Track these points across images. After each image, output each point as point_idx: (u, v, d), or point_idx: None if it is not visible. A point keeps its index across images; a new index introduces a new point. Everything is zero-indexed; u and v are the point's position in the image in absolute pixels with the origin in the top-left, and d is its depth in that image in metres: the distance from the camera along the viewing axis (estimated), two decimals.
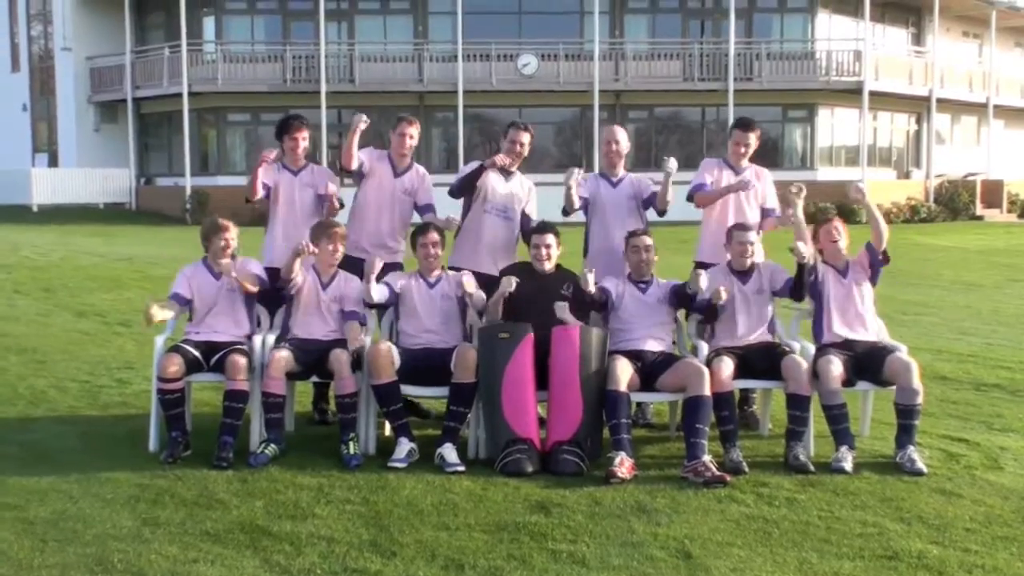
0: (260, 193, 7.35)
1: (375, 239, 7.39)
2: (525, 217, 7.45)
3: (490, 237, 7.35)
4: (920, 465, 6.23)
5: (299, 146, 7.39)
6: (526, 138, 7.37)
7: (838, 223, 6.97)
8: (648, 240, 6.96)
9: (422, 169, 7.62)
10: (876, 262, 6.92)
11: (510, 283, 6.71)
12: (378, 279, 6.78)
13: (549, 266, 6.94)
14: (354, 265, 7.07)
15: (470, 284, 6.77)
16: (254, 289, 6.88)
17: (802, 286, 6.80)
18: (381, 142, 7.94)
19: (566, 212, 7.37)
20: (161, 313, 6.57)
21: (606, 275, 7.00)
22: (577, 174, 7.21)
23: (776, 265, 7.05)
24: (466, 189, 7.31)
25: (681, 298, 6.87)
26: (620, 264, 7.12)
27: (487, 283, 6.96)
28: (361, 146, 7.35)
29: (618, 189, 7.43)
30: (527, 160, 7.56)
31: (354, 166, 7.34)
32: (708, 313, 6.85)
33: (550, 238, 6.95)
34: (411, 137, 7.45)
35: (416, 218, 7.51)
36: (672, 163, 7.12)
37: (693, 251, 7.59)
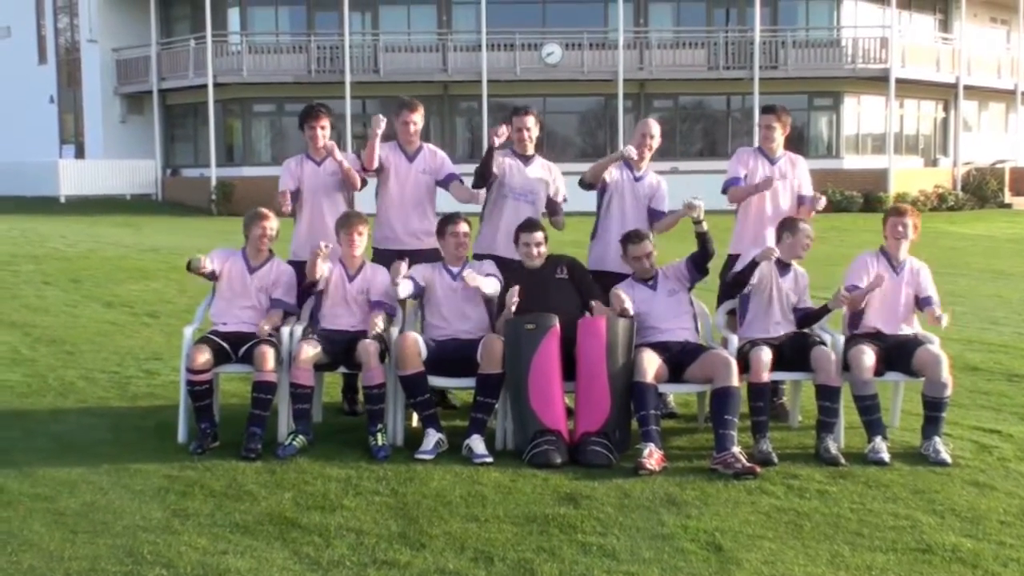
0: (375, 163, 7.34)
1: (406, 228, 7.37)
2: (552, 202, 7.44)
3: (510, 222, 7.23)
4: (944, 456, 6.17)
5: (318, 135, 7.35)
6: (529, 121, 7.36)
7: (909, 219, 6.82)
8: (648, 247, 6.86)
9: (432, 147, 7.63)
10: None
11: (513, 295, 6.59)
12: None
13: (539, 263, 6.90)
14: (389, 259, 7.06)
15: (473, 278, 6.62)
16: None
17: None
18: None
19: (584, 184, 7.36)
20: (206, 261, 6.71)
21: (610, 263, 7.11)
22: (631, 153, 7.16)
23: (805, 277, 6.98)
24: (483, 175, 7.25)
25: (699, 263, 6.84)
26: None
27: (508, 266, 6.97)
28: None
29: (639, 184, 7.33)
30: (551, 149, 7.49)
31: (375, 166, 7.34)
32: (737, 282, 6.82)
33: (539, 236, 6.89)
34: (414, 123, 7.42)
35: (441, 199, 7.48)
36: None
37: (728, 242, 7.48)
